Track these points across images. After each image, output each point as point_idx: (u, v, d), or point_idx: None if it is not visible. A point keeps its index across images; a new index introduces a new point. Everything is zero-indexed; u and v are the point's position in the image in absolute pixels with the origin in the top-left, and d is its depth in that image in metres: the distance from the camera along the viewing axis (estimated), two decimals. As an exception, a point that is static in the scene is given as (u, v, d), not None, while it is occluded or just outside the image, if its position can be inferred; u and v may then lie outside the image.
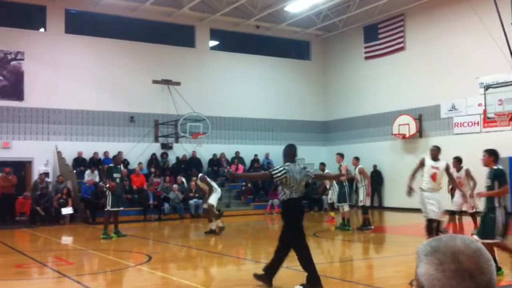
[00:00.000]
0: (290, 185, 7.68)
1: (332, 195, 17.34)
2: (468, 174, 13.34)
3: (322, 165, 18.37)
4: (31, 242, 15.33)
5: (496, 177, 8.19)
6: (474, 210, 13.35)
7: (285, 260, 7.80)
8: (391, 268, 9.48)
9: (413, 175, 10.89)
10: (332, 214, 18.14)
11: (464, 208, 13.83)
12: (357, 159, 15.73)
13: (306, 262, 7.55)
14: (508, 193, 8.42)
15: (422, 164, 10.64)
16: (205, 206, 15.07)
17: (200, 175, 15.10)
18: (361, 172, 15.41)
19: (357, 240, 13.99)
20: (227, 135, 25.49)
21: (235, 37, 26.76)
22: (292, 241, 7.72)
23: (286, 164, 7.85)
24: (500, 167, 8.40)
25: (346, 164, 15.52)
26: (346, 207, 15.41)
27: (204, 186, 15.31)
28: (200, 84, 24.84)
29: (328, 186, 17.81)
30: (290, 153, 8.08)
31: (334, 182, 16.99)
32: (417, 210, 21.95)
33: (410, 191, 10.76)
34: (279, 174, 7.66)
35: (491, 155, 8.40)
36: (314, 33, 27.49)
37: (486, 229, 8.10)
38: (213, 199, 14.97)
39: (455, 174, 13.27)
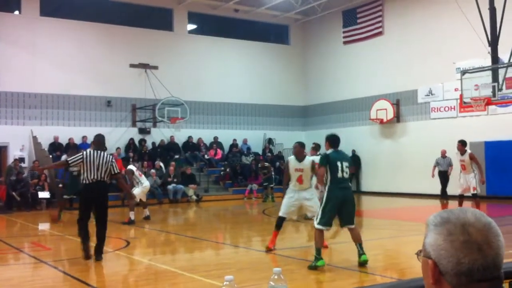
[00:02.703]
0: (86, 170, 8.69)
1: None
2: (472, 157, 13.29)
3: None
4: (7, 227, 15.14)
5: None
6: (475, 192, 13.28)
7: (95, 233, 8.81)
8: (368, 252, 9.56)
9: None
10: None
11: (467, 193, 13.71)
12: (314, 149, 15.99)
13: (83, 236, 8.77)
14: (322, 176, 8.03)
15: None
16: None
17: (128, 167, 14.95)
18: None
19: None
20: (205, 119, 25.38)
21: (213, 20, 26.54)
22: (79, 216, 8.87)
23: (88, 150, 8.89)
24: (327, 152, 8.23)
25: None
26: None
27: (130, 177, 15.05)
28: (178, 68, 24.63)
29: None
30: (95, 142, 9.31)
31: None
32: (395, 195, 22.24)
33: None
34: (74, 160, 8.85)
35: (326, 140, 8.38)
36: (293, 17, 27.40)
37: None
38: (137, 191, 14.55)
39: (458, 157, 13.45)
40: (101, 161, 8.74)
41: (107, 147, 22.21)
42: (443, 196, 19.41)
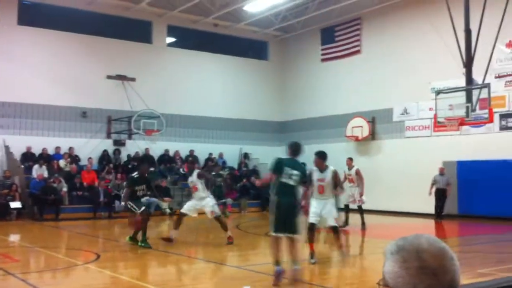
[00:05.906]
0: None
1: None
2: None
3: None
4: (-25, 238, 14.79)
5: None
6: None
7: None
8: (331, 268, 9.55)
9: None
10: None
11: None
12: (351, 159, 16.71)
13: None
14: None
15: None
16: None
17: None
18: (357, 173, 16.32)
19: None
20: (181, 133, 25.26)
21: (193, 34, 26.56)
22: None
23: None
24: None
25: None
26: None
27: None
28: (156, 81, 24.55)
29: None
30: None
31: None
32: (369, 212, 22.29)
33: None
34: None
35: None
36: (272, 33, 27.57)
37: None
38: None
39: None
40: None
41: (80, 158, 22.02)
42: (438, 216, 18.71)
